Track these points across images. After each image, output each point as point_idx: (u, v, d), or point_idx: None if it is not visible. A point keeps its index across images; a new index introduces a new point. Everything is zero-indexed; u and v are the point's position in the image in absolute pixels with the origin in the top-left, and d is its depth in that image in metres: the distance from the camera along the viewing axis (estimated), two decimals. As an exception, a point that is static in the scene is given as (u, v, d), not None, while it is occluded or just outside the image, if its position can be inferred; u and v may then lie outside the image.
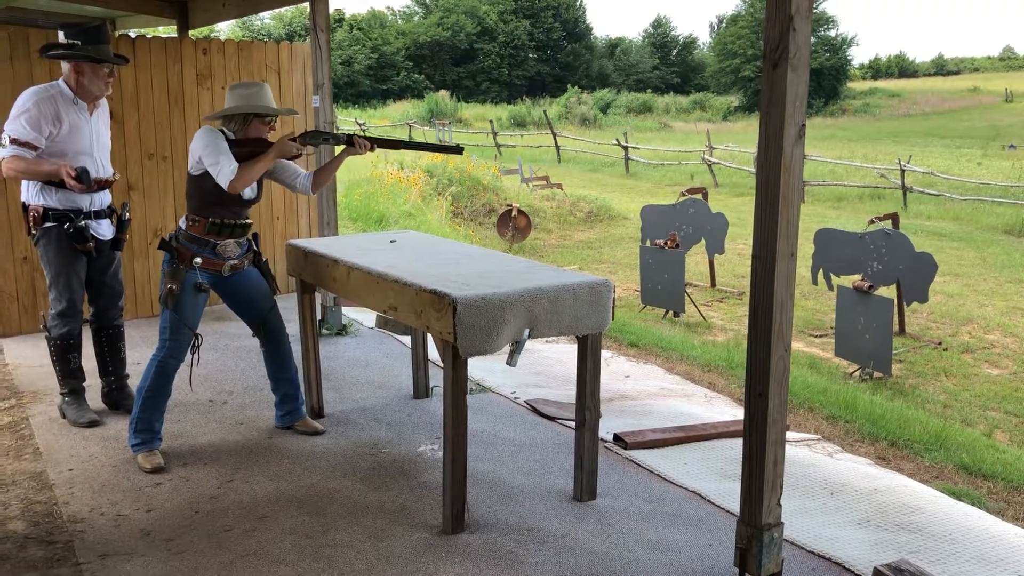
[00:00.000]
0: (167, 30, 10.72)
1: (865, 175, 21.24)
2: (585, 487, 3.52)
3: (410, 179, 13.06)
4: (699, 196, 10.79)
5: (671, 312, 9.58)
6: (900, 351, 8.14)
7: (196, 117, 6.41)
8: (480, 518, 3.33)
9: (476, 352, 3.04)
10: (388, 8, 71.87)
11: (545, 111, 35.33)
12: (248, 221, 3.90)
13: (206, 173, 3.67)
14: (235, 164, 3.60)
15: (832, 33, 62.38)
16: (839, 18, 76.17)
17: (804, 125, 2.64)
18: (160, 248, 3.81)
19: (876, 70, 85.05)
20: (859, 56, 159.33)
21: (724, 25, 64.40)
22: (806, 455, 4.21)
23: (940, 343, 8.52)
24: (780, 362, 2.74)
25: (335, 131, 4.49)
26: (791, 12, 2.53)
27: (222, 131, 3.77)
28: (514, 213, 12.70)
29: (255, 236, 4.05)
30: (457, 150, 4.02)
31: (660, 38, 69.63)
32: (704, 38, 68.48)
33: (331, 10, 5.85)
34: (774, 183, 2.63)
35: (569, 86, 51.44)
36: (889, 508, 3.53)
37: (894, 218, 8.81)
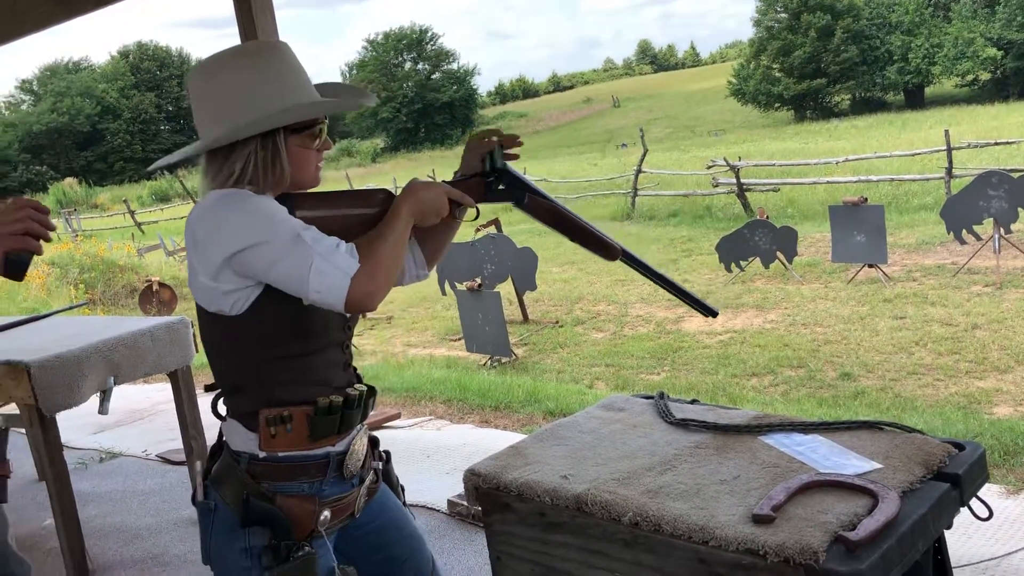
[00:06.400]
0: None
1: (497, 192, 23.21)
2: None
3: (31, 274, 12.29)
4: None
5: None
6: (525, 335, 9.24)
7: None
8: (106, 563, 3.54)
9: (59, 408, 3.26)
10: (-11, 99, 65.44)
11: (182, 181, 34.30)
12: (363, 382, 1.77)
13: (265, 299, 1.54)
14: (341, 242, 1.49)
15: (455, 67, 66.98)
16: (459, 52, 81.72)
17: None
18: (214, 514, 1.69)
19: (503, 95, 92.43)
20: (484, 84, 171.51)
21: (354, 72, 66.48)
22: (416, 433, 4.86)
23: (557, 322, 9.77)
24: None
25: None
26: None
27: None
28: (155, 288, 12.48)
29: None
30: (711, 312, 1.95)
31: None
32: (338, 86, 69.80)
33: None
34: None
35: (209, 152, 50.22)
36: (473, 456, 4.24)
37: (496, 223, 9.95)
